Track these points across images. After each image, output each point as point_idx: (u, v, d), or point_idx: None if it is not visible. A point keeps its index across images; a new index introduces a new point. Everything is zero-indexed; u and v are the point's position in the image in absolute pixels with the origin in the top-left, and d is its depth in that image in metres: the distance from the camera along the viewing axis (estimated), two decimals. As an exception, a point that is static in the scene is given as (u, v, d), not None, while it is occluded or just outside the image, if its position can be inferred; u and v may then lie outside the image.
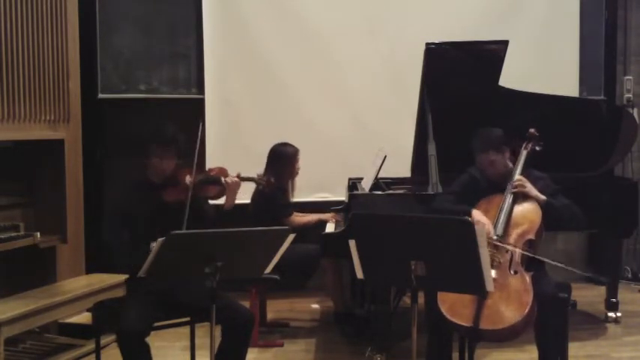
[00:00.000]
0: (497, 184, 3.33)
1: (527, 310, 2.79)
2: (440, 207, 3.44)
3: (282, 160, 4.43)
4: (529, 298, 2.84)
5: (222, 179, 3.34)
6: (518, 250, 3.03)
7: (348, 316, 4.45)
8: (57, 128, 4.20)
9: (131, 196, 3.28)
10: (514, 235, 3.12)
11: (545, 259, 3.14)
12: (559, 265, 3.15)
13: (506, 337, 2.82)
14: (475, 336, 2.79)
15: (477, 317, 2.73)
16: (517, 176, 3.26)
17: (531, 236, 3.12)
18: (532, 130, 3.43)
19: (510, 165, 3.37)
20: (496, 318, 2.75)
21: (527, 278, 2.94)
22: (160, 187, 3.26)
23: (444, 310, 2.85)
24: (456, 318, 2.80)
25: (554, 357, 3.14)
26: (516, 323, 2.76)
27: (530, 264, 3.08)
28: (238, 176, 3.39)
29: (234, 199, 3.39)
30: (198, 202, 3.28)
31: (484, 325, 2.72)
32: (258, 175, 3.70)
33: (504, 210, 3.16)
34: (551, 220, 3.21)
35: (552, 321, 3.05)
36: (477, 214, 3.22)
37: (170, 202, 3.22)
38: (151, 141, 3.27)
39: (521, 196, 3.22)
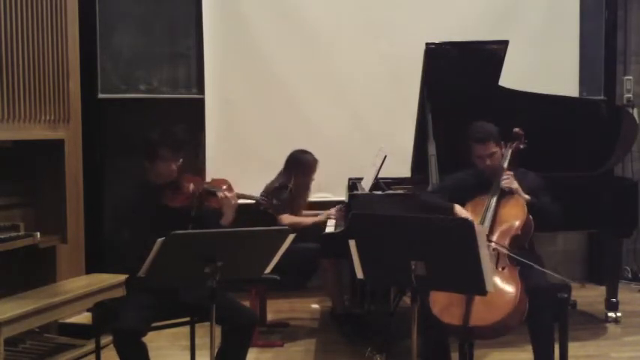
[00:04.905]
0: (484, 184, 3.34)
1: (514, 304, 2.80)
2: (426, 200, 3.52)
3: (301, 168, 4.43)
4: (516, 292, 2.85)
5: (218, 192, 3.25)
6: (498, 246, 3.04)
7: (347, 316, 4.45)
8: (57, 128, 4.20)
9: (134, 196, 3.26)
10: (499, 232, 3.14)
11: (520, 258, 3.02)
12: (535, 266, 3.05)
13: (497, 332, 2.83)
14: (467, 335, 2.80)
15: (466, 316, 2.74)
16: (506, 173, 3.30)
17: (517, 232, 3.14)
18: (517, 129, 3.47)
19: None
20: (485, 314, 2.76)
21: (515, 273, 2.96)
22: (160, 190, 3.24)
23: (435, 312, 2.86)
24: (447, 318, 2.82)
25: (549, 352, 3.13)
26: (504, 318, 2.77)
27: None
28: (237, 194, 3.31)
29: (231, 215, 3.26)
30: (208, 211, 3.25)
31: (474, 322, 2.74)
32: (261, 195, 3.61)
33: (490, 208, 3.19)
34: (535, 217, 3.23)
35: (543, 314, 3.04)
36: (459, 210, 3.28)
37: (174, 207, 3.20)
38: (159, 144, 3.22)
39: (506, 194, 3.25)
